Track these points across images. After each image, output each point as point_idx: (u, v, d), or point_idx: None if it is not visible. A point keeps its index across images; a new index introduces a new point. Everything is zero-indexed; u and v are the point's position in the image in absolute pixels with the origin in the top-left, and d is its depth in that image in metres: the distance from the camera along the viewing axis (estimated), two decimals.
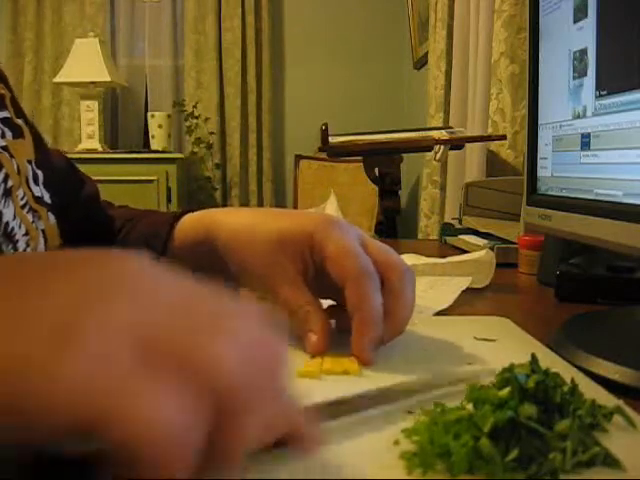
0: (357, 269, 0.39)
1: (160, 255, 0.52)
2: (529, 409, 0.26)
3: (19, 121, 0.51)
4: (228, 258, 0.46)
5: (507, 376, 0.29)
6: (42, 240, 0.48)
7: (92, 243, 0.57)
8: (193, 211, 0.54)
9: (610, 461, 0.26)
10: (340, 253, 0.40)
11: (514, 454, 0.24)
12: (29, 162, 0.50)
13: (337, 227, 0.42)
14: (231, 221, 0.47)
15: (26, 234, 0.46)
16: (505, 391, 0.27)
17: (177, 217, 0.53)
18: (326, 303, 0.45)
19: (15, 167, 0.47)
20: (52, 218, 0.51)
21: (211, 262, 0.48)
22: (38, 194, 0.50)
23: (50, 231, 0.50)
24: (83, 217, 0.58)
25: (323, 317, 0.42)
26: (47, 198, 0.51)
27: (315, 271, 0.43)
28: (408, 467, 0.25)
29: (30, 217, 0.47)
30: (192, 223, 0.52)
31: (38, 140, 0.55)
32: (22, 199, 0.47)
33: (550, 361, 0.34)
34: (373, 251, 0.41)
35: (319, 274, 0.42)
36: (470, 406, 0.28)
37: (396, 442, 0.28)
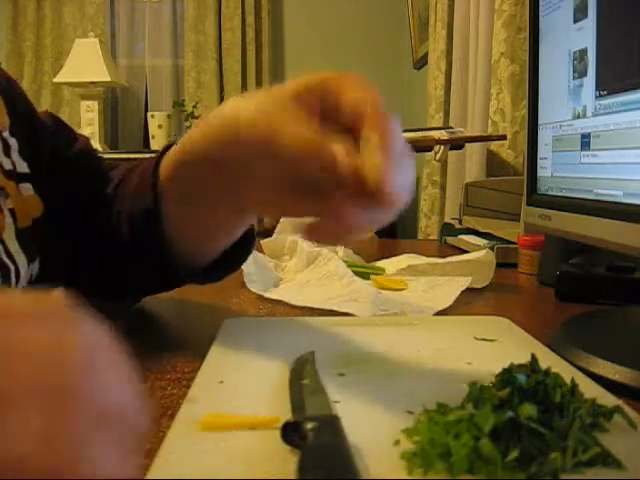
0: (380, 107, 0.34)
1: (154, 202, 0.46)
2: (529, 409, 0.26)
3: None
4: (227, 152, 0.39)
5: (507, 376, 0.29)
6: (10, 220, 0.46)
7: (82, 198, 0.52)
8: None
9: (610, 461, 0.26)
10: (361, 88, 0.35)
11: (514, 454, 0.24)
12: None
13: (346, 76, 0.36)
14: (219, 116, 0.40)
15: None
16: (505, 391, 0.27)
17: (161, 154, 0.47)
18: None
19: None
20: (28, 188, 0.49)
21: (213, 180, 0.42)
22: (9, 167, 0.48)
23: (23, 206, 0.48)
24: (74, 173, 0.54)
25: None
26: (23, 168, 0.49)
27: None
28: (408, 467, 0.25)
29: None
30: (179, 150, 0.45)
31: (15, 100, 0.52)
32: None
33: (550, 361, 0.34)
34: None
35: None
36: (470, 406, 0.28)
37: (396, 442, 0.28)
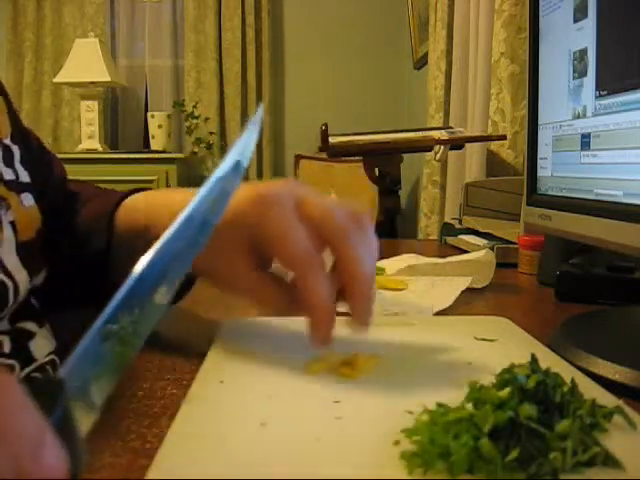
0: (296, 259, 0.38)
1: (105, 245, 0.49)
2: (529, 409, 0.26)
3: None
4: None
5: (507, 376, 0.29)
6: (10, 234, 0.44)
7: (62, 223, 0.52)
8: (139, 190, 0.51)
9: (610, 461, 0.26)
10: (278, 241, 0.39)
11: (514, 454, 0.24)
12: None
13: (270, 206, 0.40)
14: (171, 207, 0.42)
15: None
16: (505, 391, 0.27)
17: (120, 200, 0.50)
18: None
19: None
20: (30, 200, 0.47)
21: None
22: (10, 177, 0.46)
23: (25, 218, 0.46)
24: (55, 200, 0.54)
25: (270, 289, 0.42)
26: (25, 177, 0.47)
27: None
28: (408, 467, 0.25)
29: None
30: (133, 210, 0.49)
31: (13, 111, 0.51)
32: None
33: (550, 361, 0.34)
34: (315, 215, 0.40)
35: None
36: (470, 406, 0.28)
37: (396, 442, 0.28)
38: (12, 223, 0.44)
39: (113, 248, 0.49)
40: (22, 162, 0.48)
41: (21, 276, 0.44)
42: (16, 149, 0.48)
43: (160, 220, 0.43)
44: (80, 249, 0.51)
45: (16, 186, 0.46)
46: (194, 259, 0.35)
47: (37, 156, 0.54)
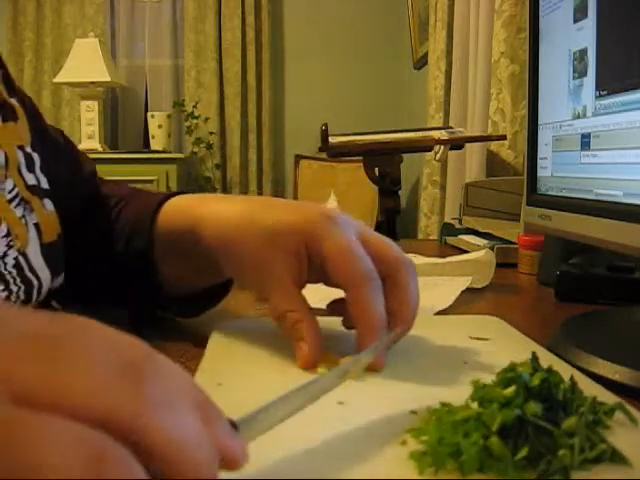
0: (357, 274, 0.38)
1: (146, 244, 0.49)
2: (535, 407, 0.26)
3: (12, 101, 0.48)
4: (216, 252, 0.44)
5: (510, 375, 0.29)
6: (34, 235, 0.45)
7: (91, 224, 0.54)
8: (183, 193, 0.51)
9: (617, 458, 0.26)
10: (339, 256, 0.39)
11: (523, 452, 0.24)
12: (20, 148, 0.47)
13: (336, 224, 0.40)
14: (220, 212, 0.44)
15: (7, 235, 0.43)
16: (510, 389, 0.27)
17: (162, 201, 0.50)
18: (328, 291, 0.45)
19: (2, 157, 0.44)
20: (50, 205, 0.49)
21: (198, 254, 0.46)
22: (32, 182, 0.47)
23: (47, 221, 0.48)
24: (85, 198, 0.56)
25: (313, 326, 0.40)
26: (44, 183, 0.49)
27: (313, 265, 0.41)
28: (419, 467, 0.25)
29: (20, 211, 0.44)
30: (177, 211, 0.49)
31: (35, 116, 0.52)
32: (10, 192, 0.44)
33: (546, 360, 0.34)
34: (373, 247, 0.40)
35: (319, 268, 0.41)
36: (475, 405, 0.28)
37: (403, 442, 0.27)
38: (36, 225, 0.46)
39: (156, 248, 0.50)
40: (42, 169, 0.49)
41: (44, 276, 0.46)
42: (36, 156, 0.49)
43: (204, 228, 0.45)
44: (120, 249, 0.52)
45: (38, 191, 0.48)
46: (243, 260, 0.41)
47: (61, 156, 0.55)
